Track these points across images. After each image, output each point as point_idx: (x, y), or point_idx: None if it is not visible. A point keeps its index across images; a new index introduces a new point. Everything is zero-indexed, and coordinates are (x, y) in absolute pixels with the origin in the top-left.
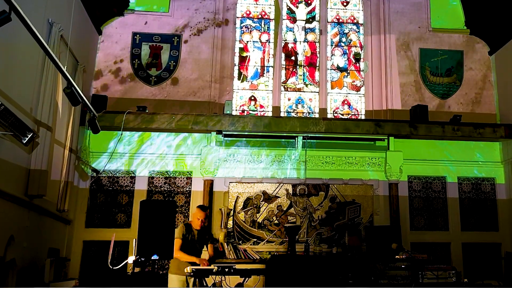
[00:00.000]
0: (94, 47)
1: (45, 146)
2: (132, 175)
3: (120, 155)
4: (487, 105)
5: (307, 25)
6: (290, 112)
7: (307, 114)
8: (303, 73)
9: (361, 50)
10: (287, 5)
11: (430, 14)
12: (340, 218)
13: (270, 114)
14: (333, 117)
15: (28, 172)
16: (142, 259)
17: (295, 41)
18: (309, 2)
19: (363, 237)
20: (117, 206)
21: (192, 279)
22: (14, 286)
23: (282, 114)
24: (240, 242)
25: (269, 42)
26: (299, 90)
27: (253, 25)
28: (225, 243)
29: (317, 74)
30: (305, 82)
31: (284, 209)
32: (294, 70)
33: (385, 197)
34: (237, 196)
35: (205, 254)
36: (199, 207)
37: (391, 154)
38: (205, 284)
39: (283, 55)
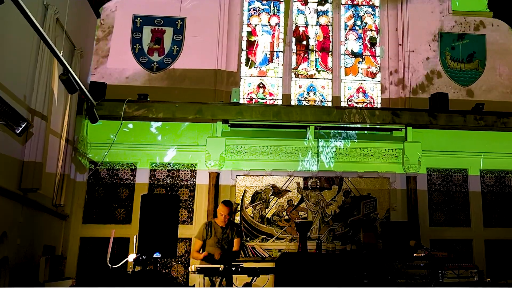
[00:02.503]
0: (92, 31)
1: (40, 137)
2: (133, 167)
3: (120, 146)
4: None
5: (320, 7)
6: (301, 100)
7: (319, 102)
8: (315, 58)
9: (377, 34)
10: None
11: None
12: (355, 213)
13: (280, 102)
14: (347, 105)
15: (21, 164)
16: (144, 257)
17: (306, 25)
18: None
19: (379, 234)
20: (116, 201)
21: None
22: (7, 285)
23: (292, 103)
24: (248, 239)
25: (279, 25)
26: (310, 76)
27: (262, 7)
28: None
29: (330, 59)
30: (317, 68)
31: (295, 203)
32: (306, 55)
33: (402, 191)
34: (245, 190)
35: None
36: (223, 202)
37: (409, 145)
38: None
39: (293, 39)
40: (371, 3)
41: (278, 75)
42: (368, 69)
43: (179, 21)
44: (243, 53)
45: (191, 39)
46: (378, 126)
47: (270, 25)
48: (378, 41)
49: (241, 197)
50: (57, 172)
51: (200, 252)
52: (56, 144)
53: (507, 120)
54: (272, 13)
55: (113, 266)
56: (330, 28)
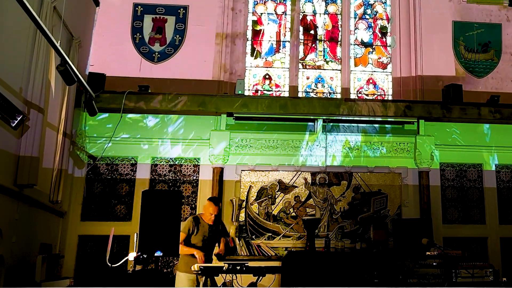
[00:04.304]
0: (91, 20)
1: (36, 130)
2: (133, 162)
3: (120, 139)
4: None
5: None
6: (309, 92)
7: (328, 94)
8: (324, 48)
9: (388, 23)
10: None
11: None
12: (365, 210)
13: (286, 94)
14: (356, 97)
15: (17, 159)
16: (144, 255)
17: (314, 13)
18: None
19: (390, 231)
20: (116, 197)
21: (203, 278)
22: (2, 285)
23: (300, 95)
24: (253, 237)
25: (286, 14)
26: (318, 67)
27: None
28: (237, 238)
29: (339, 50)
30: (325, 59)
31: (302, 200)
32: (314, 45)
33: (414, 186)
34: (250, 186)
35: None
36: (212, 200)
37: (421, 139)
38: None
39: (301, 28)
40: None
41: (284, 65)
42: (378, 60)
43: (182, 9)
44: (249, 43)
45: (194, 28)
46: (389, 119)
47: (276, 13)
48: (389, 30)
49: (246, 193)
50: (54, 167)
51: (183, 243)
52: (53, 138)
53: None
54: (278, 1)
55: (113, 265)
56: (339, 16)
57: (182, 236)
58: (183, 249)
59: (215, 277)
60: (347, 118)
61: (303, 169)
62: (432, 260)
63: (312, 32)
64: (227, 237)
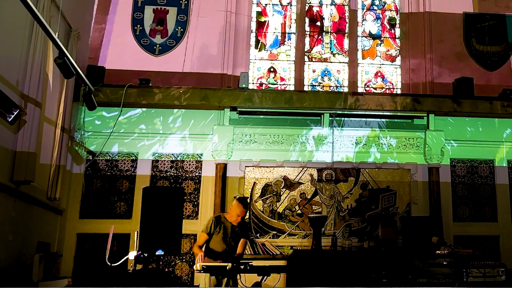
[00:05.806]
0: (90, 11)
1: (34, 125)
2: (134, 158)
3: (120, 135)
4: None
5: None
6: (315, 85)
7: (335, 88)
8: (330, 41)
9: (397, 14)
10: None
11: None
12: (373, 207)
13: (292, 88)
14: (364, 91)
15: (13, 154)
16: (145, 254)
17: (320, 4)
18: None
19: (398, 230)
20: (116, 194)
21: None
22: None
23: (306, 88)
24: (258, 235)
25: (291, 5)
26: (325, 60)
27: None
28: None
29: (346, 42)
30: (332, 52)
31: (308, 197)
32: (320, 37)
33: (424, 183)
34: (254, 182)
35: None
36: (241, 201)
37: (431, 134)
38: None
39: (307, 20)
40: None
41: (290, 58)
42: (387, 52)
43: (184, 0)
44: (253, 34)
45: (197, 20)
46: (398, 114)
47: (281, 4)
48: (397, 22)
49: (250, 190)
50: (52, 163)
51: (203, 248)
52: (51, 133)
53: None
54: None
55: (112, 265)
56: (346, 8)
57: (203, 236)
58: (198, 253)
59: (220, 277)
60: (355, 112)
61: (309, 165)
62: (442, 259)
63: (318, 23)
64: (247, 239)
